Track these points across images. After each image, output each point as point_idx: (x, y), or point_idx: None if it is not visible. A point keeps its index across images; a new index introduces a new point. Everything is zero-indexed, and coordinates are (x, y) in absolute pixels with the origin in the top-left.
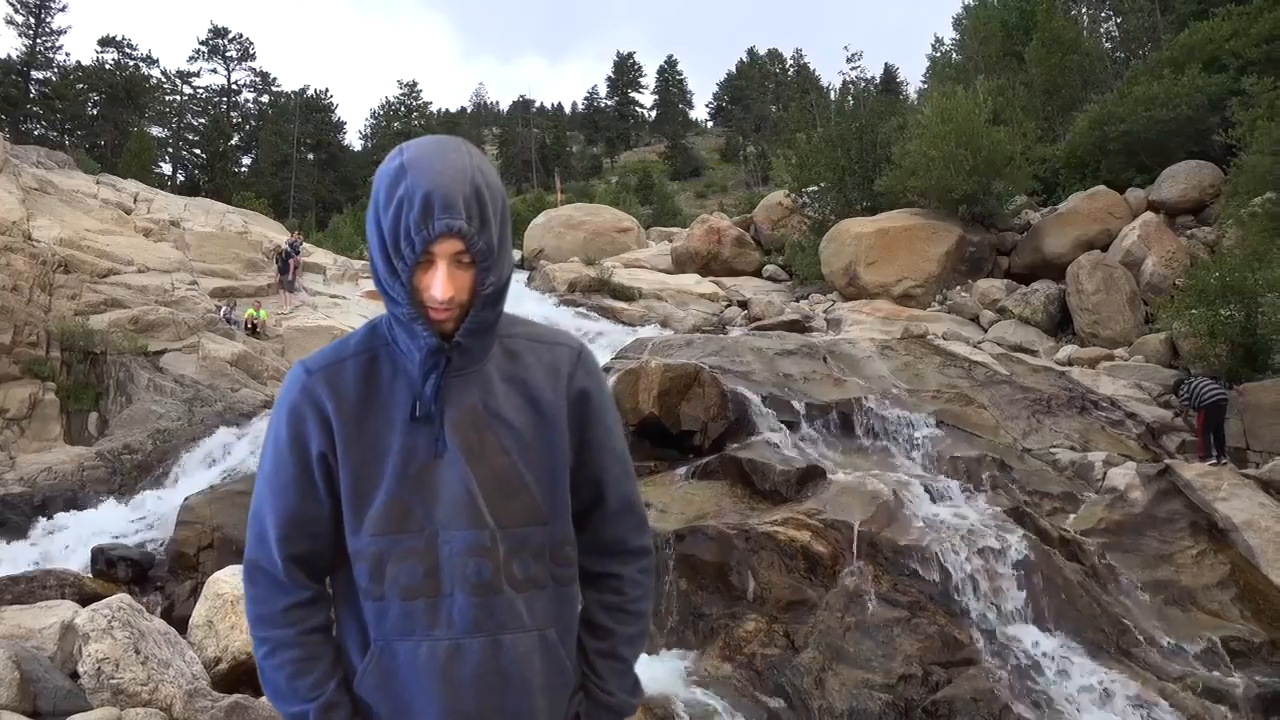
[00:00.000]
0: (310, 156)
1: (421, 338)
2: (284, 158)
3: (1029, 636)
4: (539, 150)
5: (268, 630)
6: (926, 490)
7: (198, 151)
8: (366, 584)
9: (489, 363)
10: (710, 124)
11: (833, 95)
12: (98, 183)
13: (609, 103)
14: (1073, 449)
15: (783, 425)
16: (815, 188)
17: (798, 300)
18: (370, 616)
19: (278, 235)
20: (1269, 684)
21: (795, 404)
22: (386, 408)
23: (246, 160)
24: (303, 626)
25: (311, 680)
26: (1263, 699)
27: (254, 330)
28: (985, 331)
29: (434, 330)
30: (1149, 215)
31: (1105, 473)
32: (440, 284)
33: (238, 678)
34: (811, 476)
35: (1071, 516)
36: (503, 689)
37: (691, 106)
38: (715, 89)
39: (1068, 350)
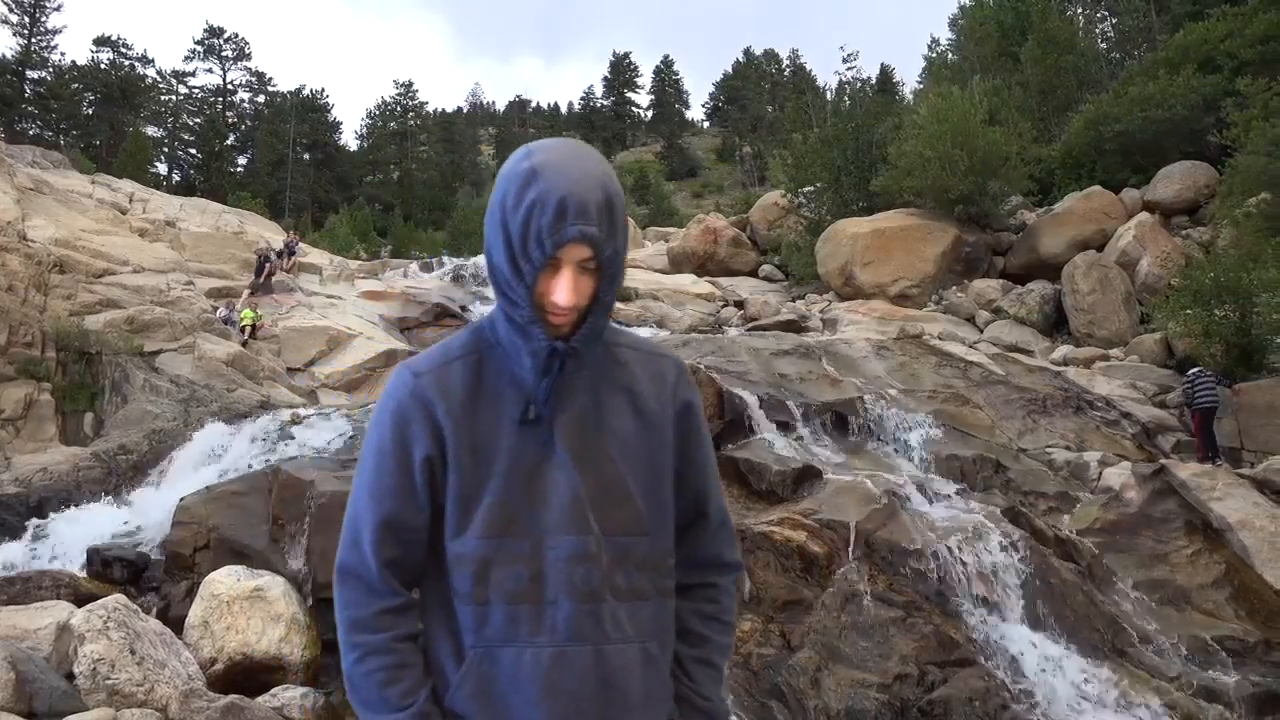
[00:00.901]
0: (306, 156)
1: (537, 340)
2: (280, 158)
3: (1024, 636)
4: None
5: (360, 635)
6: (922, 490)
7: (193, 151)
8: (469, 588)
9: (596, 368)
10: (706, 124)
11: (829, 95)
12: (93, 182)
13: (605, 103)
14: (1068, 449)
15: (779, 425)
16: (811, 188)
17: (794, 300)
18: (469, 622)
19: (274, 235)
20: (1263, 683)
21: (791, 404)
22: (494, 410)
23: (242, 160)
24: (395, 632)
25: (403, 688)
26: (1257, 698)
27: (253, 332)
28: (981, 331)
29: (550, 334)
30: (1144, 215)
31: (1101, 473)
32: (565, 290)
33: (233, 678)
34: (808, 476)
35: (1067, 516)
36: (605, 700)
37: (688, 106)
38: (711, 89)
39: (1063, 350)
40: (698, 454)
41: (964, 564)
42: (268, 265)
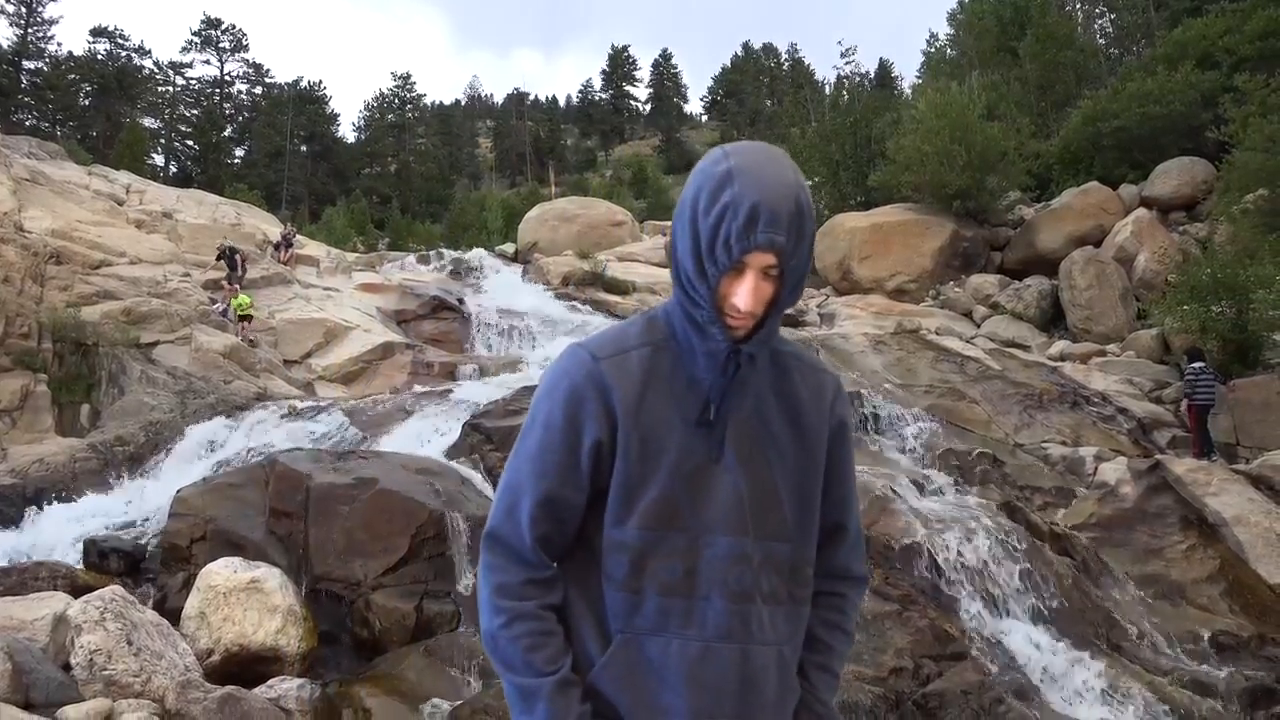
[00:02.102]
0: (304, 148)
1: (716, 341)
2: (277, 149)
3: (1019, 630)
4: (533, 144)
5: (507, 600)
6: (918, 485)
7: (190, 143)
8: (624, 576)
9: (762, 374)
10: (705, 118)
11: (827, 90)
12: (90, 174)
13: (603, 96)
14: (1064, 444)
15: None
16: (809, 182)
17: None
18: (619, 608)
19: (271, 227)
20: (1256, 677)
21: None
22: (667, 404)
23: (239, 152)
24: (543, 601)
25: (548, 654)
26: (1250, 692)
27: (249, 321)
28: (978, 327)
29: (728, 336)
30: (1142, 211)
31: (1096, 468)
32: (747, 295)
33: (230, 669)
34: None
35: (1062, 511)
36: (744, 698)
37: (686, 100)
38: (710, 83)
39: (1060, 346)
40: (845, 470)
41: (959, 558)
42: (238, 257)
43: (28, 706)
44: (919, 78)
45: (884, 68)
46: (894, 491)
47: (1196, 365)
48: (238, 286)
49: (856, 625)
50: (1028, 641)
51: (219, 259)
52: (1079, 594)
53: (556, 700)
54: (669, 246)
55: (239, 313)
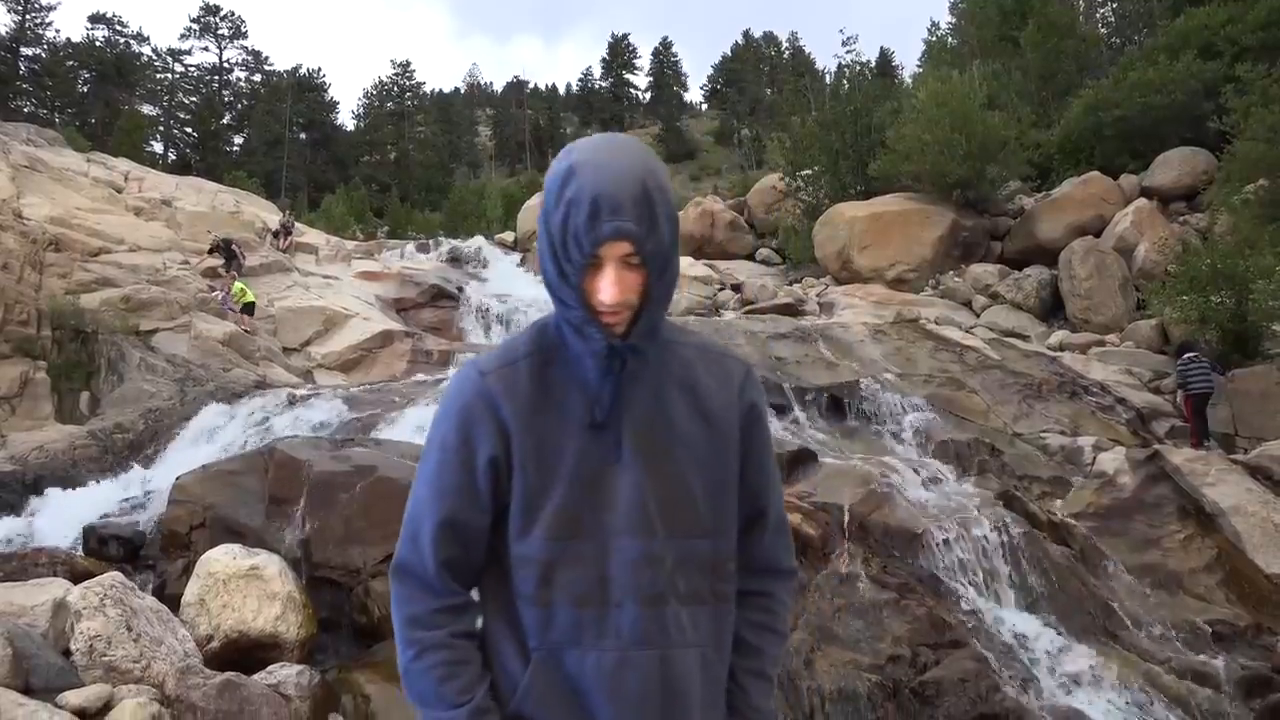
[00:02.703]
0: (303, 136)
1: (594, 340)
2: (276, 137)
3: (1017, 619)
4: (533, 132)
5: (418, 632)
6: (916, 473)
7: (189, 130)
8: (533, 590)
9: (660, 368)
10: (705, 106)
11: (828, 79)
12: (88, 161)
13: (603, 84)
14: (1063, 434)
15: (775, 408)
16: (809, 171)
17: (791, 284)
18: (532, 624)
19: (270, 215)
20: (1252, 667)
21: (787, 387)
22: (560, 411)
23: (238, 140)
24: (453, 629)
25: (460, 684)
26: (1246, 681)
27: (251, 309)
28: (977, 316)
29: (606, 334)
30: (1142, 201)
31: (1095, 457)
32: (610, 287)
33: (229, 656)
34: (802, 459)
35: (1060, 500)
36: (667, 704)
37: (686, 89)
38: (710, 71)
39: (1059, 335)
40: (761, 456)
41: (957, 547)
42: (235, 246)
43: (28, 691)
44: (920, 67)
45: (885, 57)
46: (892, 480)
47: (1187, 355)
48: (235, 274)
49: (858, 611)
50: (1025, 630)
51: (212, 251)
52: (1076, 583)
53: None
54: (539, 254)
55: (241, 300)
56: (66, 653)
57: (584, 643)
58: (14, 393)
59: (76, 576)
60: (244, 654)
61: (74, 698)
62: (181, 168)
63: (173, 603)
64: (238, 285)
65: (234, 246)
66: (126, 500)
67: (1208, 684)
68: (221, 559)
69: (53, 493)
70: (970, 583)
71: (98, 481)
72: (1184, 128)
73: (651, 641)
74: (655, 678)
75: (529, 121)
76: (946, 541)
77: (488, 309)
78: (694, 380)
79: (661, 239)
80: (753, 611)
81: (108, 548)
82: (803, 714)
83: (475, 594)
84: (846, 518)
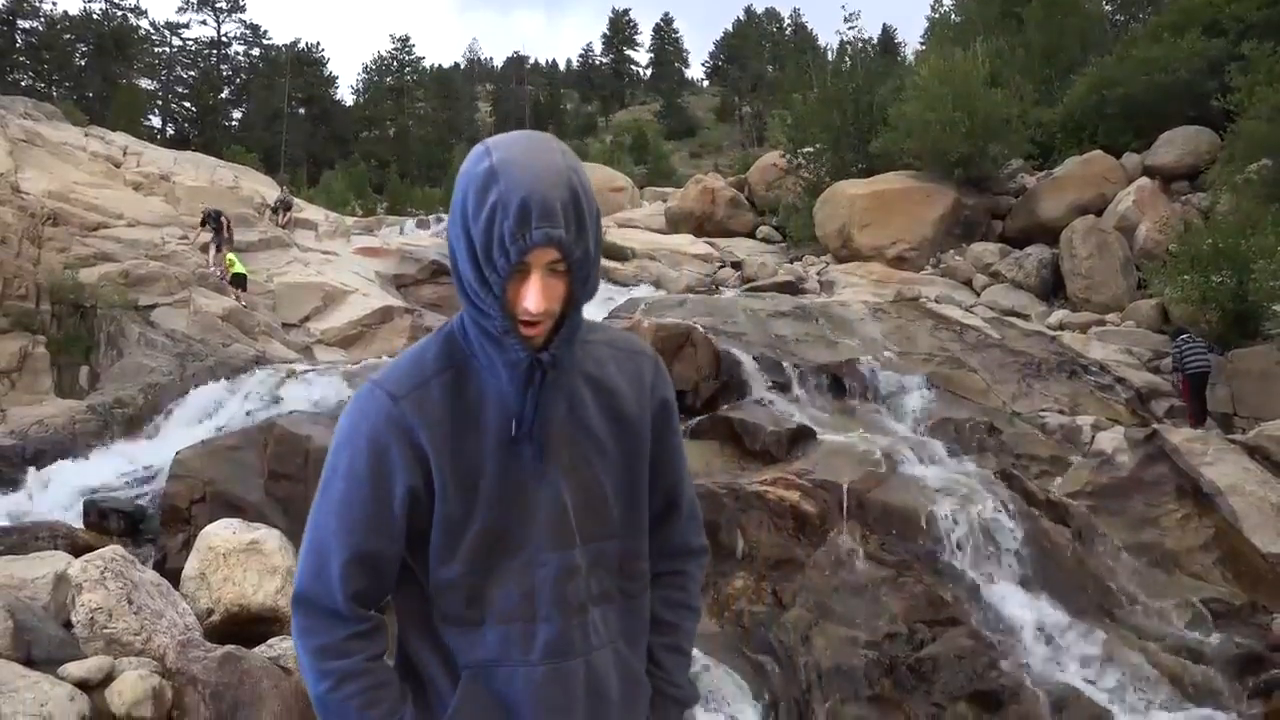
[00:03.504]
0: (302, 111)
1: (513, 351)
2: (275, 112)
3: (1014, 597)
4: (533, 108)
5: (331, 662)
6: (915, 452)
7: (188, 104)
8: (460, 611)
9: (573, 369)
10: (706, 83)
11: (830, 56)
12: (86, 135)
13: (604, 60)
14: (1061, 413)
15: (774, 386)
16: (810, 149)
17: (791, 262)
18: (457, 644)
19: (269, 190)
20: (1247, 645)
21: (787, 365)
22: (477, 428)
23: (237, 114)
24: (368, 654)
25: (384, 709)
26: (1240, 659)
27: (241, 281)
28: (978, 295)
29: (526, 344)
30: (1144, 180)
31: (1093, 436)
32: (535, 295)
33: (230, 629)
34: (802, 437)
35: (1058, 479)
36: (591, 708)
37: (687, 65)
38: (711, 48)
39: (1059, 315)
40: (672, 452)
41: (955, 525)
42: (223, 219)
43: (29, 663)
44: (923, 44)
45: (887, 33)
46: (891, 458)
47: (1183, 337)
48: (225, 247)
49: (856, 589)
50: (1021, 608)
51: (204, 224)
52: (1073, 561)
53: None
54: (450, 257)
55: (231, 271)
56: (67, 625)
57: (513, 659)
58: (13, 367)
59: (77, 550)
60: (244, 628)
61: (75, 669)
62: (180, 142)
63: (173, 577)
64: (227, 257)
65: (222, 219)
66: (126, 475)
67: (1202, 661)
68: (221, 533)
69: (53, 467)
70: (968, 561)
71: (98, 455)
72: (1188, 106)
73: (575, 651)
74: (581, 684)
75: (529, 98)
76: (944, 519)
77: None
78: (607, 382)
79: (588, 245)
80: (668, 590)
81: (108, 522)
82: (800, 689)
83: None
84: (845, 495)
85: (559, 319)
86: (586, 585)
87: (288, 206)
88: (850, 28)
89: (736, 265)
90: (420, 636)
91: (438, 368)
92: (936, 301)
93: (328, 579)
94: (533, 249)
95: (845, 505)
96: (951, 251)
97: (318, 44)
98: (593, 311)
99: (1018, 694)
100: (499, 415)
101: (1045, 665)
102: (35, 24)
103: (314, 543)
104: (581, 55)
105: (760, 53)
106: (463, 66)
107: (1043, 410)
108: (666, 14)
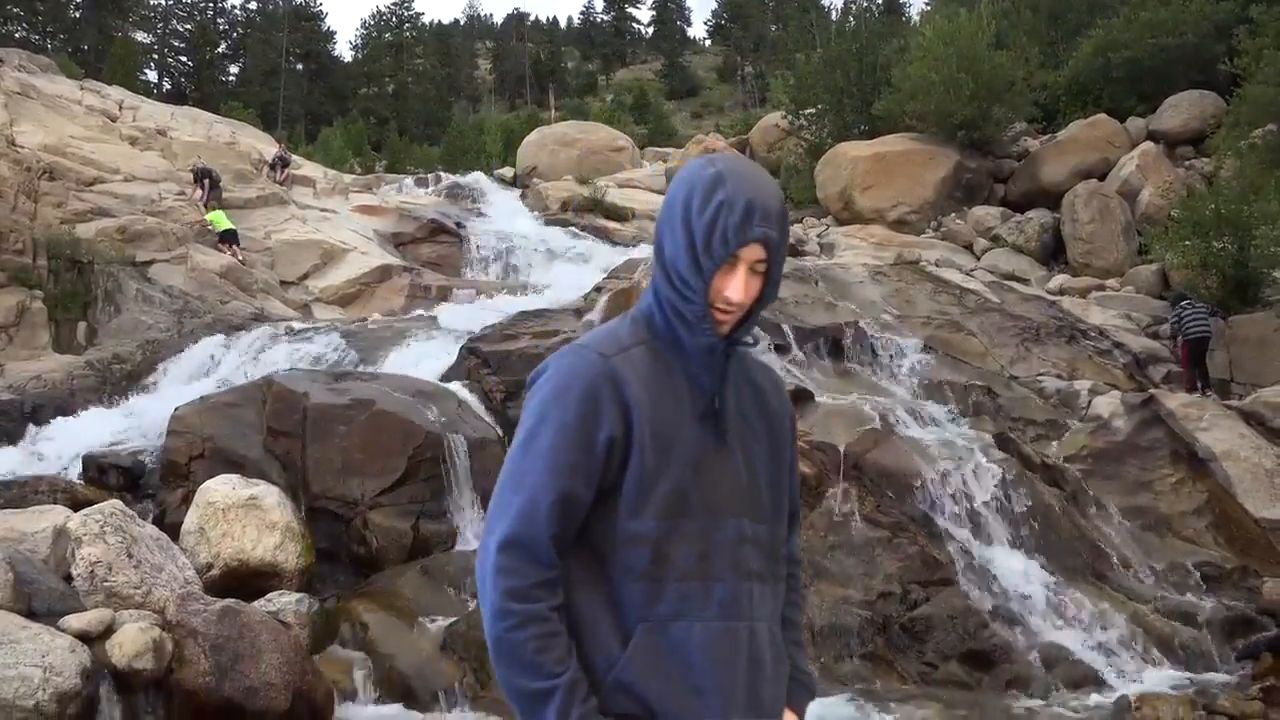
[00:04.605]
0: (299, 67)
1: (708, 335)
2: (273, 68)
3: (1007, 559)
4: (533, 66)
5: (517, 604)
6: (913, 415)
7: (184, 59)
8: (645, 566)
9: (738, 365)
10: (708, 43)
11: (833, 16)
12: (82, 88)
13: (605, 18)
14: (1059, 377)
15: (773, 348)
16: (812, 110)
17: (792, 223)
18: (638, 598)
19: (266, 146)
20: (1236, 608)
21: (786, 327)
22: (673, 397)
23: (234, 70)
24: (550, 603)
25: (557, 655)
26: (1229, 622)
27: (232, 237)
28: (978, 259)
29: (717, 329)
30: (1148, 145)
31: (1090, 401)
32: (738, 287)
33: (229, 584)
34: (800, 399)
35: (1055, 443)
36: (753, 673)
37: (689, 24)
38: (714, 6)
39: (1059, 279)
40: (794, 460)
41: (951, 487)
42: (215, 174)
43: (30, 615)
44: (928, 4)
45: None
46: (888, 421)
47: (1184, 302)
48: (213, 203)
49: (851, 549)
50: (1014, 569)
51: (197, 180)
52: (1067, 524)
53: (566, 700)
54: (655, 250)
55: (219, 229)
56: (68, 578)
57: (690, 615)
58: (11, 322)
59: (77, 504)
60: (243, 582)
61: (75, 622)
62: (176, 97)
63: (172, 531)
64: (213, 214)
65: (212, 173)
66: (125, 430)
67: (1192, 624)
68: (220, 489)
69: (52, 422)
70: (962, 522)
71: (97, 411)
72: (1194, 70)
73: (743, 614)
74: (745, 646)
75: (529, 55)
76: (940, 481)
77: (488, 245)
78: (756, 380)
79: (784, 254)
80: (789, 593)
81: (107, 477)
82: None
83: None
84: (842, 457)
85: (746, 314)
86: (751, 557)
87: (285, 163)
88: None
89: None
90: (592, 592)
91: (633, 340)
92: (936, 265)
93: (537, 521)
94: (750, 243)
95: (842, 467)
96: (953, 215)
97: None
98: (592, 275)
99: (1009, 654)
100: (688, 389)
101: (1037, 626)
102: None
103: (526, 487)
104: (582, 13)
105: (763, 12)
106: (462, 23)
107: (1040, 374)
108: None
